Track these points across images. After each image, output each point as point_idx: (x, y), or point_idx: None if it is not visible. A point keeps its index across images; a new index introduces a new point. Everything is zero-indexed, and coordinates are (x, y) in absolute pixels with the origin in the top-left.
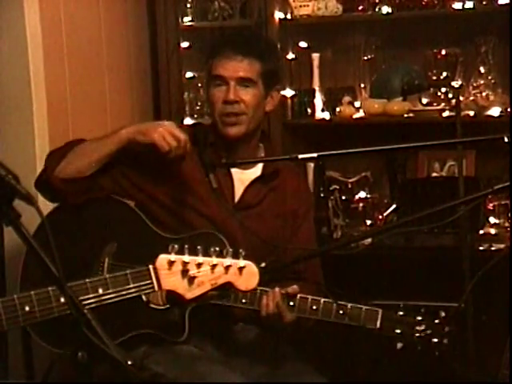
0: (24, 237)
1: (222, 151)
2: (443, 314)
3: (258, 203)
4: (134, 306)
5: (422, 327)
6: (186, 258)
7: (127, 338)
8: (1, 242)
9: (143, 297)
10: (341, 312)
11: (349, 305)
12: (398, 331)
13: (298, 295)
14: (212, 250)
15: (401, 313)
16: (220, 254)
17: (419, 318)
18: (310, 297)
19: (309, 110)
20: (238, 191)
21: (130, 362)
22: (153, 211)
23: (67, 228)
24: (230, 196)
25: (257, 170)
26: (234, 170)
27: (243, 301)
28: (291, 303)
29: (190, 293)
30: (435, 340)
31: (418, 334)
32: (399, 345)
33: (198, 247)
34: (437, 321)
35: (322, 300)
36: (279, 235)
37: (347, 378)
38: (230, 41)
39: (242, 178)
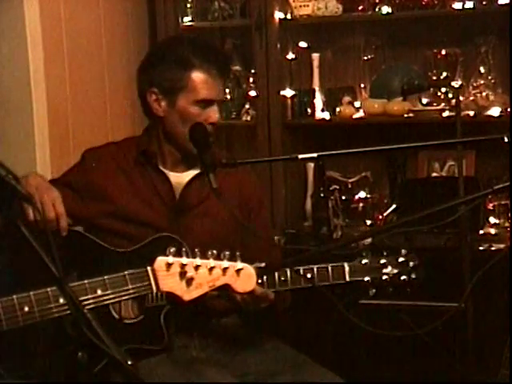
0: (24, 237)
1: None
2: (404, 252)
3: (201, 201)
4: (109, 327)
5: (389, 269)
6: (184, 260)
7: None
8: None
9: (115, 314)
10: (309, 276)
11: (314, 267)
12: (367, 279)
13: None
14: (209, 252)
15: (365, 261)
16: (217, 257)
17: (383, 261)
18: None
19: (309, 110)
20: (177, 193)
21: (129, 362)
22: (105, 228)
23: (23, 264)
24: (169, 198)
25: (194, 171)
26: (171, 174)
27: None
28: (259, 281)
29: (188, 294)
30: (404, 277)
31: (385, 277)
32: (371, 292)
33: (196, 250)
34: (400, 259)
35: (288, 269)
36: (233, 228)
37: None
38: (209, 54)
39: (180, 180)
